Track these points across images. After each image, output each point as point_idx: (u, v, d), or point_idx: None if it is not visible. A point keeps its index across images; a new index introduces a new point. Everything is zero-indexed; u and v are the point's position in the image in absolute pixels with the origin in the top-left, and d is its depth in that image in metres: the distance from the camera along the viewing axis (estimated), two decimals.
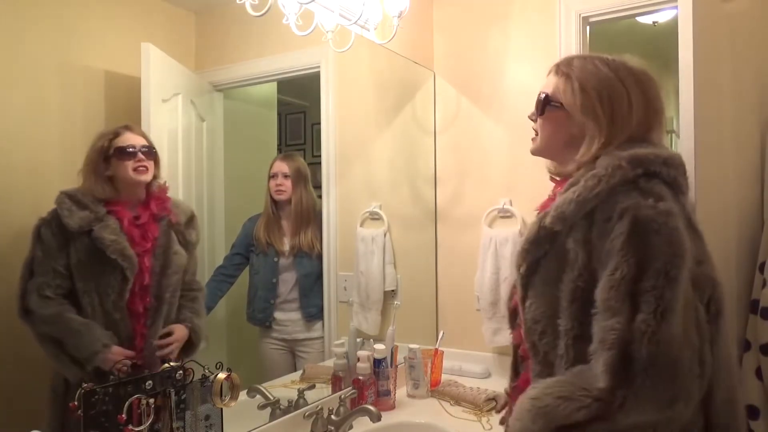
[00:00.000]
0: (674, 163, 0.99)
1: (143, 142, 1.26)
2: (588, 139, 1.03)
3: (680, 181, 0.99)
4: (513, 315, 1.15)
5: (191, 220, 1.38)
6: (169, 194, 1.32)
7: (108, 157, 1.21)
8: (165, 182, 1.31)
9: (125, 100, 1.28)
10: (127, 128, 1.25)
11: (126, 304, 1.21)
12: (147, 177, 1.27)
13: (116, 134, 1.23)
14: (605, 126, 1.02)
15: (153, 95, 1.32)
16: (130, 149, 1.24)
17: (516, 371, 1.16)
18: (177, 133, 1.42)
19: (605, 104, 1.02)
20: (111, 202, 1.21)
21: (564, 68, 1.08)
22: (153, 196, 1.29)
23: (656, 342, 0.85)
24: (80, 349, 1.15)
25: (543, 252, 1.01)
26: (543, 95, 1.10)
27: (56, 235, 1.14)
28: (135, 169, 1.25)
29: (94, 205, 1.18)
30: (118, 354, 1.17)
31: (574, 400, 0.87)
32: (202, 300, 1.42)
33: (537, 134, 1.14)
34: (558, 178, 1.14)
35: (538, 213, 1.07)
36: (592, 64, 1.06)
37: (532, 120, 1.15)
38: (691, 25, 1.32)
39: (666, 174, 0.96)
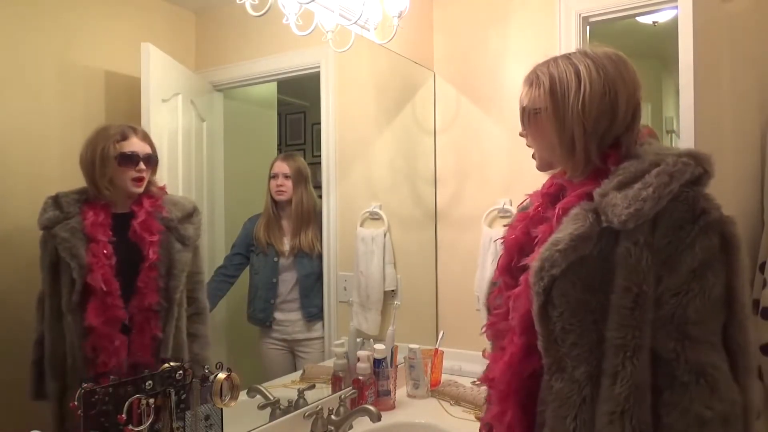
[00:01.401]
0: (712, 162, 0.95)
1: (147, 150, 1.24)
2: (577, 135, 1.00)
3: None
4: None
5: (190, 215, 1.35)
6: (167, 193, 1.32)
7: (108, 159, 1.19)
8: (164, 185, 1.30)
9: (125, 100, 1.28)
10: (134, 131, 1.23)
11: (81, 310, 1.14)
12: (141, 189, 1.25)
13: (123, 137, 1.21)
14: (584, 118, 0.98)
15: (153, 95, 1.32)
16: (134, 157, 1.23)
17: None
18: (177, 133, 1.42)
19: (576, 97, 0.98)
20: (92, 202, 1.18)
21: (531, 76, 1.07)
22: (147, 195, 1.27)
23: (745, 349, 0.91)
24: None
25: (586, 252, 0.92)
26: (521, 108, 1.08)
27: (42, 239, 1.13)
28: (133, 180, 1.23)
29: (69, 205, 1.15)
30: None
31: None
32: (207, 320, 1.39)
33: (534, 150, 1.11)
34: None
35: (534, 205, 1.07)
36: (554, 63, 1.04)
37: (523, 137, 1.11)
38: (691, 25, 1.32)
39: (712, 172, 0.93)
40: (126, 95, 1.28)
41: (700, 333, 0.88)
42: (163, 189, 1.30)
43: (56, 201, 1.14)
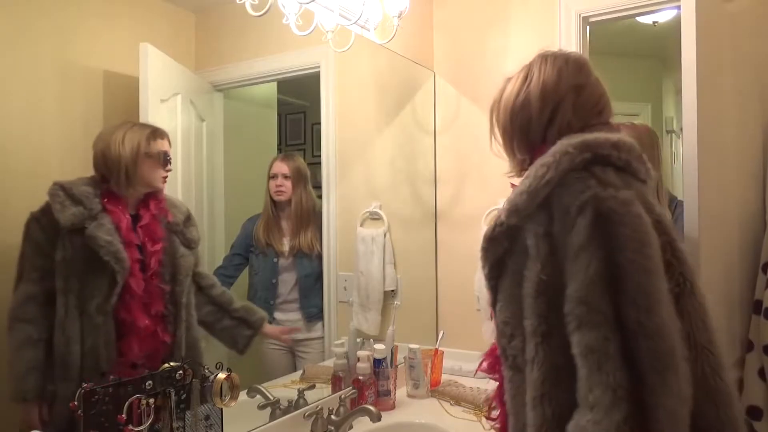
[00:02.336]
0: (625, 147, 0.95)
1: (170, 151, 1.28)
2: (503, 136, 1.11)
3: (635, 166, 0.97)
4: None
5: (188, 218, 1.36)
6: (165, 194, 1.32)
7: (141, 156, 1.21)
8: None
9: (124, 100, 1.28)
10: (163, 134, 1.27)
11: (115, 310, 1.16)
12: (164, 187, 1.28)
13: (155, 136, 1.24)
14: (504, 119, 1.09)
15: (152, 95, 1.31)
16: (168, 157, 1.26)
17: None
18: (176, 133, 1.41)
19: (498, 100, 1.11)
20: (111, 198, 1.18)
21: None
22: (151, 196, 1.27)
23: (650, 334, 0.83)
24: (14, 380, 1.07)
25: (503, 250, 0.99)
26: None
27: (45, 230, 1.09)
28: (163, 178, 1.27)
29: (89, 200, 1.13)
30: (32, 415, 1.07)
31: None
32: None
33: None
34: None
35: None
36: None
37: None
38: (694, 24, 1.32)
39: (617, 158, 0.94)
40: (125, 95, 1.28)
41: (583, 313, 0.85)
42: (162, 190, 1.31)
43: (71, 194, 1.11)
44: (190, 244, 1.33)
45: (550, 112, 1.03)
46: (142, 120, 1.28)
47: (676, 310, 0.90)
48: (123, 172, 1.18)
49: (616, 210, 0.87)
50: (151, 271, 1.23)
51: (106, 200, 1.17)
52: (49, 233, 1.10)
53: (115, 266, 1.14)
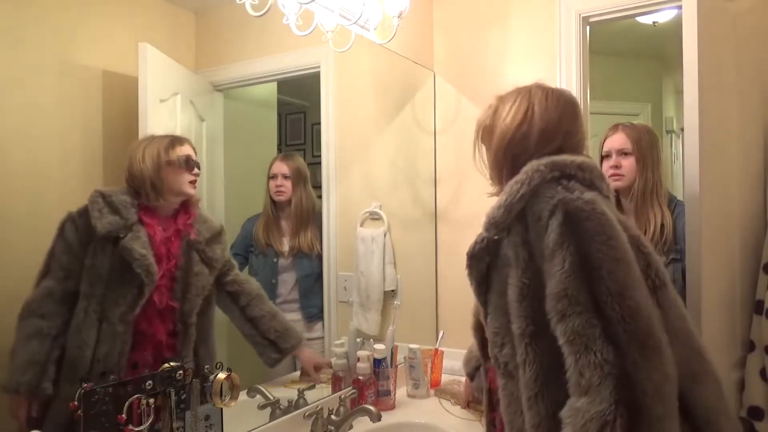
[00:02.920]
0: (587, 167, 1.05)
1: (195, 156, 1.29)
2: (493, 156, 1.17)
3: (597, 183, 1.05)
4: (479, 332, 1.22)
5: (217, 235, 1.36)
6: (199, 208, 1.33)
7: (162, 165, 1.22)
8: (198, 198, 1.33)
9: (123, 100, 1.28)
10: (183, 141, 1.28)
11: (136, 320, 1.18)
12: (195, 191, 1.29)
13: (173, 144, 1.25)
14: (494, 152, 1.15)
15: (151, 95, 1.31)
16: (192, 161, 1.27)
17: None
18: (176, 133, 1.41)
19: (488, 133, 1.16)
20: (146, 211, 1.20)
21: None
22: (184, 209, 1.29)
23: (627, 317, 0.89)
24: (12, 371, 1.06)
25: (486, 265, 1.07)
26: None
27: (80, 233, 1.12)
28: (191, 182, 1.27)
29: (126, 210, 1.16)
30: (19, 409, 1.06)
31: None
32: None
33: None
34: None
35: None
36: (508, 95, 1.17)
37: None
38: (695, 24, 1.32)
39: (581, 177, 1.03)
40: (124, 95, 1.28)
41: (565, 306, 0.92)
42: (197, 202, 1.33)
43: (109, 203, 1.14)
44: (212, 263, 1.34)
45: (541, 149, 1.09)
46: (141, 120, 1.28)
47: (654, 302, 0.97)
48: (149, 184, 1.21)
49: (583, 208, 0.95)
50: (163, 286, 1.24)
51: (142, 212, 1.19)
52: (83, 236, 1.12)
53: (145, 279, 1.17)
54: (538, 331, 0.97)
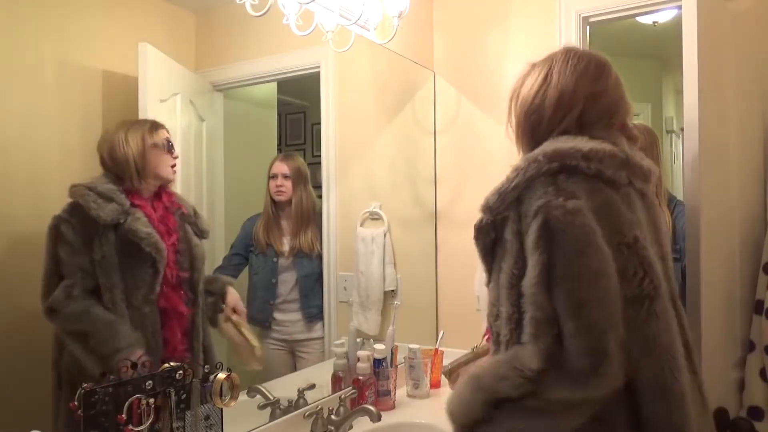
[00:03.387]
0: (596, 156, 0.99)
1: (171, 138, 1.30)
2: (515, 127, 1.14)
3: (608, 173, 1.00)
4: None
5: (196, 211, 1.40)
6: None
7: (147, 147, 1.23)
8: (171, 181, 1.34)
9: (123, 99, 1.28)
10: (161, 125, 1.28)
11: (157, 299, 1.21)
12: (175, 176, 1.31)
13: (155, 127, 1.26)
14: (516, 121, 1.12)
15: (151, 95, 1.32)
16: (171, 145, 1.28)
17: None
18: (176, 133, 1.41)
19: (518, 91, 1.12)
20: (133, 194, 1.21)
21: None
22: (163, 191, 1.30)
23: (575, 334, 0.89)
24: (104, 345, 1.14)
25: (491, 240, 1.06)
26: None
27: (78, 231, 1.12)
28: (172, 166, 1.28)
29: (117, 196, 1.17)
30: (138, 357, 1.14)
31: (509, 379, 0.93)
32: None
33: None
34: None
35: None
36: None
37: None
38: (695, 23, 1.31)
39: (586, 167, 0.98)
40: (124, 95, 1.28)
41: (530, 309, 0.94)
42: (171, 184, 1.34)
43: (99, 193, 1.14)
44: (203, 234, 1.38)
45: (560, 118, 1.06)
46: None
47: (645, 312, 0.96)
48: (133, 167, 1.21)
49: (559, 218, 0.92)
50: (171, 260, 1.27)
51: (130, 196, 1.20)
52: (83, 233, 1.13)
53: (156, 256, 1.20)
54: (522, 319, 0.97)
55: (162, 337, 1.23)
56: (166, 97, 1.39)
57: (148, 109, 1.30)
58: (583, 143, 1.00)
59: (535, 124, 1.08)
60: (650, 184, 1.08)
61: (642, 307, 0.96)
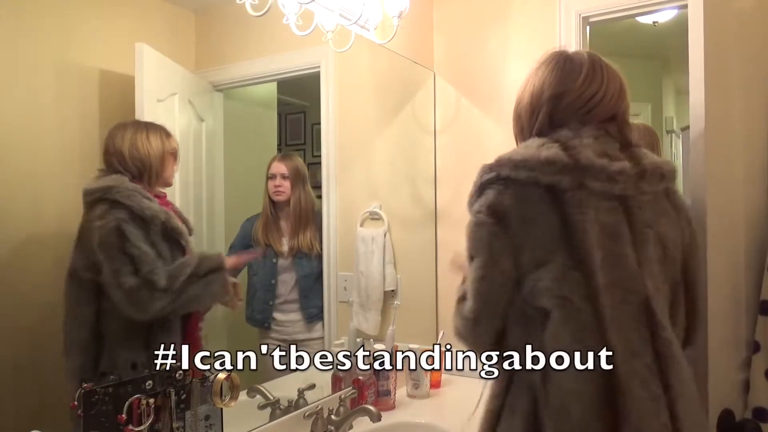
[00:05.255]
0: (528, 165, 1.02)
1: None
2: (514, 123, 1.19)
3: (544, 180, 1.01)
4: None
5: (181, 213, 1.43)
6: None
7: (166, 152, 1.27)
8: None
9: (120, 99, 1.28)
10: (171, 133, 1.30)
11: None
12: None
13: (168, 133, 1.29)
14: (516, 126, 1.18)
15: (148, 95, 1.31)
16: (178, 154, 1.32)
17: None
18: (174, 133, 1.41)
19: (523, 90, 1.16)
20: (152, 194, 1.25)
21: None
22: (156, 195, 1.30)
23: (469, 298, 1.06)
24: (207, 267, 1.27)
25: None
26: None
27: (138, 229, 1.17)
28: (172, 175, 1.31)
29: (150, 196, 1.22)
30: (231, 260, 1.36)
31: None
32: None
33: None
34: None
35: None
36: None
37: None
38: (701, 22, 1.31)
39: (515, 176, 1.03)
40: (121, 95, 1.28)
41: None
42: None
43: (140, 192, 1.18)
44: (191, 233, 1.41)
45: (534, 120, 1.11)
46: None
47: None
48: (153, 169, 1.24)
49: (469, 225, 1.06)
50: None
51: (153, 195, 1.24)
52: (142, 230, 1.17)
53: (186, 248, 1.27)
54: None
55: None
56: (164, 97, 1.38)
57: (145, 109, 1.30)
58: (523, 152, 1.05)
59: (519, 127, 1.16)
60: (622, 184, 1.04)
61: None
